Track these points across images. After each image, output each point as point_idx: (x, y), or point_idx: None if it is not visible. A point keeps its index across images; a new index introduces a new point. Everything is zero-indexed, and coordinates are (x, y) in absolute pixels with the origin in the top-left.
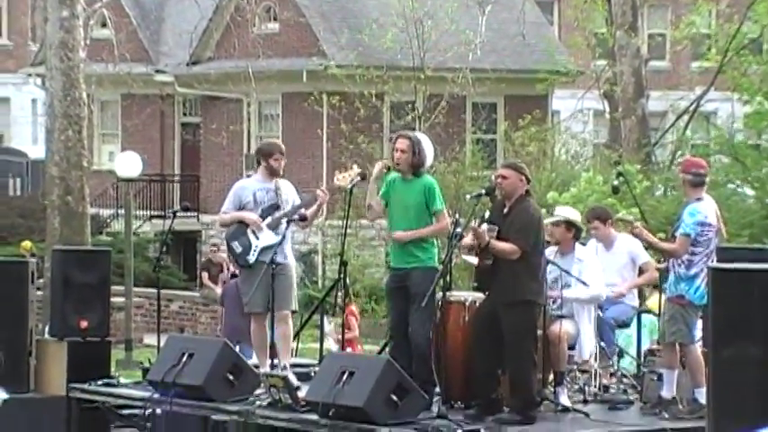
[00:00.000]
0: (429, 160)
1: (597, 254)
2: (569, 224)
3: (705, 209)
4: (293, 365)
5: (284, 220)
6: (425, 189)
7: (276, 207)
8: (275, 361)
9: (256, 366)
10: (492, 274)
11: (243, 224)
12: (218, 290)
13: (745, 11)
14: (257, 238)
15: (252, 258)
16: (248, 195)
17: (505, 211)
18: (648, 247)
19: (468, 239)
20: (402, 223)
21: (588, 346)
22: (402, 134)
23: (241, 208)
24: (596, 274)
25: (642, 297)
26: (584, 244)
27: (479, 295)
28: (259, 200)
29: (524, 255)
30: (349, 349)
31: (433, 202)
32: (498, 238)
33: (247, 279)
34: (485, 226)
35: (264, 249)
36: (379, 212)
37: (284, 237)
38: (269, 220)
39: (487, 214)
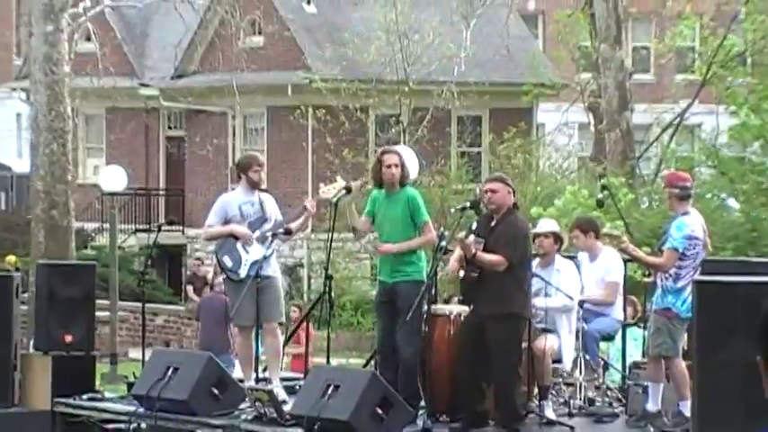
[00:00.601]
0: (414, 173)
1: (583, 265)
2: (556, 236)
3: (692, 222)
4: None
5: (269, 235)
6: (408, 201)
7: (264, 220)
8: (265, 374)
9: (241, 380)
10: (478, 286)
11: (232, 238)
12: None
13: (729, 24)
14: (247, 252)
15: (243, 273)
16: (234, 209)
17: (493, 224)
18: (633, 260)
19: (455, 256)
20: (391, 237)
21: (568, 355)
22: (389, 150)
23: (227, 221)
24: (573, 285)
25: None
26: (574, 256)
27: (464, 308)
28: (245, 213)
29: (511, 267)
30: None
31: (418, 213)
32: (485, 250)
33: (236, 292)
34: (471, 237)
35: (255, 263)
36: (366, 231)
37: (272, 251)
38: (257, 233)
39: (475, 226)
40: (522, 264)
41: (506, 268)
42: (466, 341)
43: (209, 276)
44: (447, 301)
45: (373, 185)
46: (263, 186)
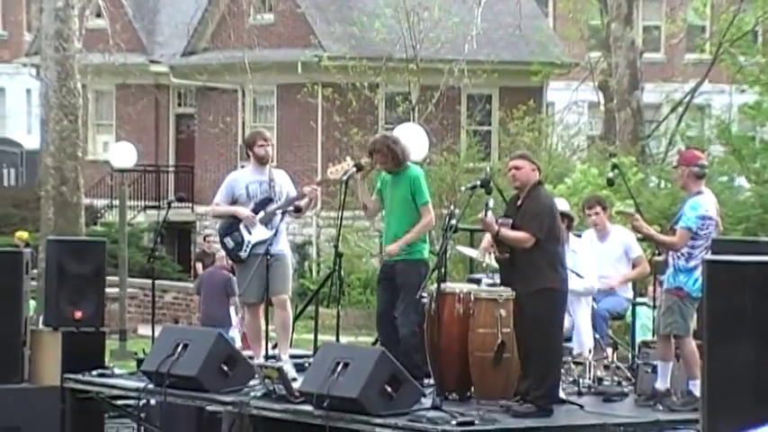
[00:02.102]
0: (424, 151)
1: (591, 245)
2: (566, 216)
3: (706, 202)
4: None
5: (279, 213)
6: (411, 181)
7: (269, 200)
8: (275, 350)
9: (251, 357)
10: (512, 266)
11: (236, 219)
12: None
13: (740, 1)
14: (250, 234)
15: (244, 254)
16: (241, 188)
17: (519, 202)
18: (645, 239)
19: (484, 242)
20: (393, 217)
21: (587, 338)
22: (376, 148)
23: (234, 201)
24: (590, 266)
25: (636, 290)
26: (579, 236)
27: (473, 286)
28: (252, 193)
29: (539, 242)
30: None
31: (419, 193)
32: (514, 229)
33: (242, 272)
34: (490, 214)
35: (257, 244)
36: (375, 211)
37: (278, 230)
38: (262, 214)
39: (491, 202)
40: (550, 238)
41: (534, 244)
42: (517, 321)
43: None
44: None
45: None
46: (271, 161)
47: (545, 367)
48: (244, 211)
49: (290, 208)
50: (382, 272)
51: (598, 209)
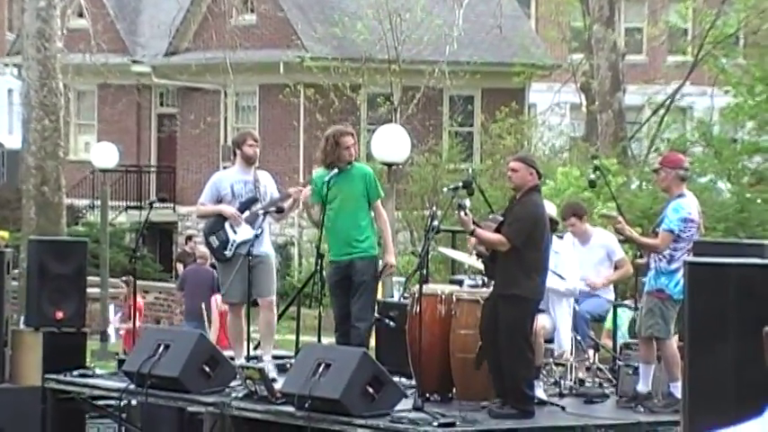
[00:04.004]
0: (405, 153)
1: (573, 248)
2: (550, 220)
3: (689, 204)
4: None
5: (261, 213)
6: (365, 177)
7: (254, 200)
8: (257, 351)
9: (232, 358)
10: (492, 264)
11: (221, 218)
12: None
13: (720, 4)
14: (235, 233)
15: (229, 253)
16: (226, 187)
17: (514, 204)
18: (627, 241)
19: (471, 242)
20: (342, 213)
21: (566, 338)
22: (346, 132)
23: (219, 200)
24: (572, 268)
25: (617, 292)
26: (561, 237)
27: (455, 288)
28: (237, 192)
29: (516, 248)
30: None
31: (374, 189)
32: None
33: (225, 271)
34: (463, 214)
35: (242, 244)
36: (318, 212)
37: (262, 230)
38: (247, 213)
39: (467, 202)
40: (528, 245)
41: (512, 249)
42: (485, 319)
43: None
44: None
45: (323, 165)
46: (256, 163)
47: (513, 370)
48: (229, 208)
49: (273, 209)
50: (335, 273)
51: (573, 220)
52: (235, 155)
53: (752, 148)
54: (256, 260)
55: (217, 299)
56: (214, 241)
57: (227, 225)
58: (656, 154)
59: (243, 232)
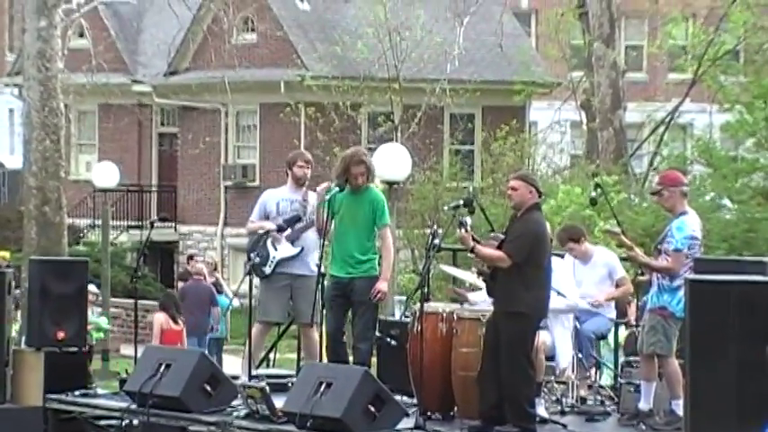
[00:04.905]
0: (406, 172)
1: (575, 267)
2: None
3: (693, 222)
4: (270, 376)
5: (300, 233)
6: (373, 202)
7: (297, 219)
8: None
9: (234, 377)
10: (493, 282)
11: (264, 234)
12: None
13: (718, 22)
14: (275, 249)
15: (268, 270)
16: (272, 205)
17: (514, 221)
18: (629, 259)
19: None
20: (349, 237)
21: (565, 355)
22: (359, 159)
23: (266, 217)
24: (571, 284)
25: (620, 310)
26: (561, 256)
27: (456, 306)
28: (281, 210)
29: (517, 265)
30: None
31: (381, 215)
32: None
33: (264, 289)
34: (463, 231)
35: (282, 261)
36: (328, 231)
37: (302, 249)
38: (289, 231)
39: (468, 220)
40: (529, 262)
41: (513, 266)
42: (487, 337)
43: (203, 272)
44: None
45: (336, 185)
46: (306, 183)
47: (514, 388)
48: (269, 225)
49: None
50: (334, 288)
51: (571, 245)
52: (287, 174)
53: (750, 167)
54: (296, 281)
55: (159, 317)
56: (254, 257)
57: (268, 242)
58: (655, 172)
59: (283, 249)
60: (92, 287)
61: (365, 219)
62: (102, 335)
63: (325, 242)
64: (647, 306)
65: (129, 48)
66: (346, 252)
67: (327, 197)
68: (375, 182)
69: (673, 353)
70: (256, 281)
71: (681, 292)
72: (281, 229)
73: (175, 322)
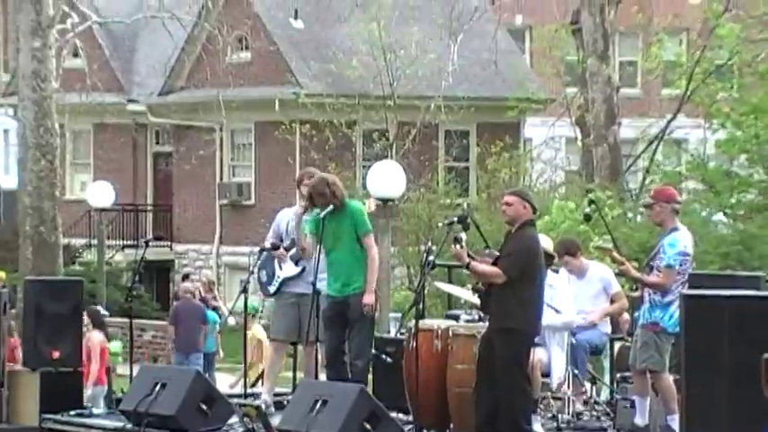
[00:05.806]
0: (401, 189)
1: (569, 282)
2: (546, 254)
3: (684, 238)
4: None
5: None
6: (352, 214)
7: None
8: (253, 389)
9: (230, 396)
10: (488, 298)
11: (273, 253)
12: None
13: (708, 37)
14: (281, 269)
15: (272, 289)
16: (283, 224)
17: (508, 237)
18: (622, 274)
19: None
20: (340, 253)
21: (558, 372)
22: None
23: (279, 237)
24: (567, 301)
25: (615, 325)
26: (556, 271)
27: (451, 322)
28: (290, 230)
29: (511, 282)
30: None
31: (361, 225)
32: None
33: (275, 307)
34: (458, 247)
35: (286, 280)
36: (311, 252)
37: (304, 268)
38: (293, 251)
39: (464, 236)
40: (524, 279)
41: (507, 282)
42: (481, 353)
43: (197, 292)
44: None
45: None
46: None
47: (509, 404)
48: (267, 243)
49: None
50: (330, 308)
51: (567, 258)
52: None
53: (745, 183)
54: (300, 299)
55: (98, 335)
56: (263, 276)
57: (275, 261)
58: (648, 188)
59: (287, 269)
60: (100, 309)
61: (349, 233)
62: (119, 359)
63: (304, 260)
64: (638, 322)
65: (124, 67)
66: (341, 270)
67: (308, 218)
68: (368, 200)
69: (666, 368)
70: (252, 298)
71: (672, 308)
72: (275, 248)
73: (108, 340)
